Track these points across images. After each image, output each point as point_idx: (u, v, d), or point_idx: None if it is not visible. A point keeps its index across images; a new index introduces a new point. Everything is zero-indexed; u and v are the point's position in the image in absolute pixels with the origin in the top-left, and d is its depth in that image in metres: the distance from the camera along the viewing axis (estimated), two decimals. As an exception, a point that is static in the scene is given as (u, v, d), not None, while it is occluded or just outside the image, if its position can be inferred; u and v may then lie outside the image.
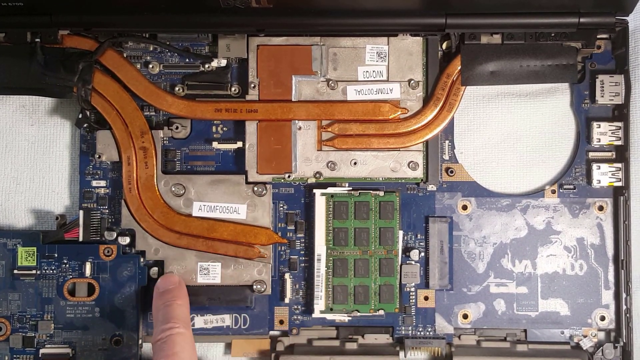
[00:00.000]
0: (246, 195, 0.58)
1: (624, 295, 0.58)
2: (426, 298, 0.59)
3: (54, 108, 0.60)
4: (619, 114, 0.59)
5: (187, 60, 0.59)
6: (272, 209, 0.58)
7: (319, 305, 0.58)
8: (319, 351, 0.58)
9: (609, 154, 0.59)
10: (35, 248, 0.57)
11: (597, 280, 0.59)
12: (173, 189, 0.58)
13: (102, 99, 0.57)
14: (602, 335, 0.59)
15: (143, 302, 0.58)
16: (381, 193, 0.58)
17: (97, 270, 0.58)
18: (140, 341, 0.57)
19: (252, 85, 0.58)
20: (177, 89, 0.59)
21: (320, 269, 0.58)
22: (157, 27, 0.57)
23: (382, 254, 0.58)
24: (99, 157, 0.58)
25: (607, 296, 0.58)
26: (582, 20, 0.55)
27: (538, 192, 0.59)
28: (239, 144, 0.58)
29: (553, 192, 0.59)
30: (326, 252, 0.58)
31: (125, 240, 0.58)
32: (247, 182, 0.58)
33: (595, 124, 0.58)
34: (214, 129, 0.59)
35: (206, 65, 0.59)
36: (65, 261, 0.58)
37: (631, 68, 0.58)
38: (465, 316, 0.59)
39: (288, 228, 0.59)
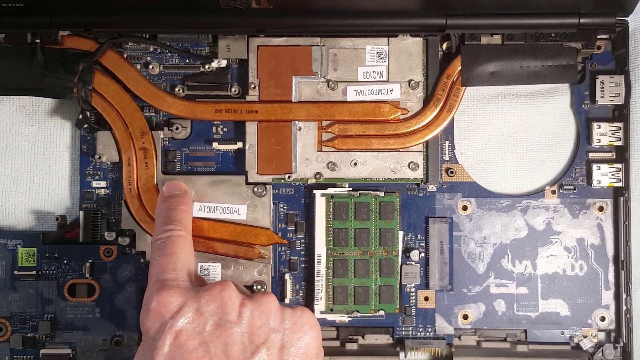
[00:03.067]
0: (246, 196, 0.58)
1: (624, 295, 0.58)
2: (426, 298, 0.59)
3: (54, 109, 0.60)
4: (619, 114, 0.58)
5: (187, 60, 0.59)
6: (272, 210, 0.58)
7: (319, 305, 0.58)
8: (319, 352, 0.58)
9: (609, 154, 0.59)
10: (35, 249, 0.58)
11: (597, 280, 0.58)
12: (173, 189, 0.58)
13: (102, 100, 0.57)
14: (602, 335, 0.59)
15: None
16: (381, 194, 0.58)
17: (97, 271, 0.58)
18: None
19: (252, 85, 0.58)
20: (177, 89, 0.59)
21: (321, 269, 0.58)
22: (157, 27, 0.57)
23: (382, 255, 0.58)
24: (99, 157, 0.58)
25: (607, 297, 0.58)
26: (582, 20, 0.55)
27: (538, 193, 0.59)
28: (239, 145, 0.58)
29: (553, 192, 0.59)
30: (326, 253, 0.58)
31: (125, 241, 0.58)
32: (247, 183, 0.58)
33: (595, 125, 0.58)
34: (214, 129, 0.59)
35: (206, 66, 0.59)
36: (66, 262, 0.58)
37: (631, 68, 0.58)
38: (465, 317, 0.59)
39: (288, 229, 0.59)
